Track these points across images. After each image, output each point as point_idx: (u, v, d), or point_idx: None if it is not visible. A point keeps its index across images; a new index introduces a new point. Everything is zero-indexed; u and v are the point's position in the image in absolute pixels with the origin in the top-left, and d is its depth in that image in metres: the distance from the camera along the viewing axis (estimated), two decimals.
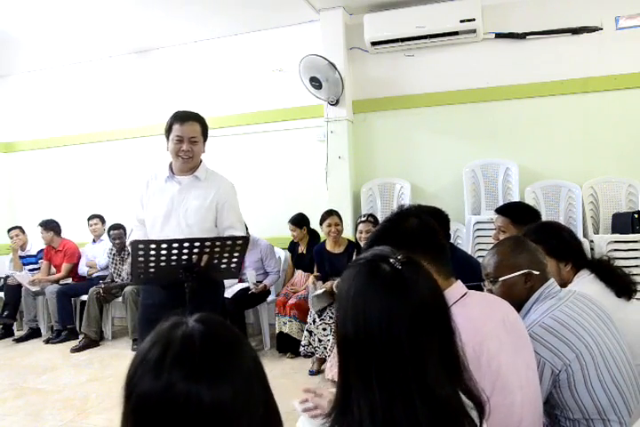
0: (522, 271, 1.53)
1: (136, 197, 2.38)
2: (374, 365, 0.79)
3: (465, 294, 1.23)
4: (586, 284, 1.72)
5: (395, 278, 0.83)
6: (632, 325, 1.61)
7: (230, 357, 0.70)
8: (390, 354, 0.79)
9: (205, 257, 1.99)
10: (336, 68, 4.10)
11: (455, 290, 1.21)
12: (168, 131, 2.26)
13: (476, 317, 1.14)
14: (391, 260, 0.86)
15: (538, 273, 1.53)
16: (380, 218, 3.89)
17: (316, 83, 4.14)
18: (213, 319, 0.74)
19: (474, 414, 0.85)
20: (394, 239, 1.17)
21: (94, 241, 5.15)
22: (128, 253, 4.57)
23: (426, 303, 0.83)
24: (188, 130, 2.22)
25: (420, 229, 1.25)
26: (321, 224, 3.94)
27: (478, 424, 0.84)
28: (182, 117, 2.24)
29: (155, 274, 1.97)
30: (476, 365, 0.87)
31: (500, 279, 1.55)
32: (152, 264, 1.93)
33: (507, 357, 1.14)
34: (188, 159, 2.24)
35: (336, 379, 2.96)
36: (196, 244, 1.95)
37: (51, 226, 5.09)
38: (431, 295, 0.85)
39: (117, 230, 4.83)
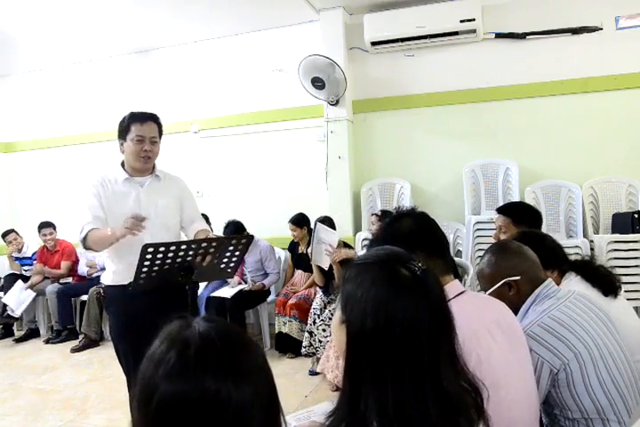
0: (499, 284, 1.54)
1: (91, 196, 2.17)
2: (391, 363, 0.80)
3: (462, 292, 1.27)
4: (574, 286, 1.72)
5: (416, 283, 0.87)
6: (626, 324, 1.61)
7: (247, 354, 0.71)
8: (409, 353, 0.81)
9: (209, 258, 1.95)
10: (338, 66, 4.08)
11: (452, 287, 1.24)
12: (125, 132, 2.19)
13: (470, 313, 1.17)
14: (410, 265, 0.89)
15: (518, 278, 1.53)
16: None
17: (318, 83, 4.13)
18: (217, 319, 0.75)
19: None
20: (391, 239, 1.24)
21: None
22: None
23: (441, 304, 0.88)
24: (149, 130, 2.19)
25: (412, 228, 1.34)
26: None
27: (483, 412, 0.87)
28: (141, 118, 2.20)
29: (155, 278, 1.92)
30: (466, 358, 0.90)
31: (487, 293, 1.56)
32: (156, 268, 1.88)
33: (499, 354, 1.16)
34: (148, 160, 2.21)
35: (326, 373, 2.94)
36: (203, 245, 1.92)
37: (54, 227, 5.09)
38: (443, 297, 0.90)
39: None
